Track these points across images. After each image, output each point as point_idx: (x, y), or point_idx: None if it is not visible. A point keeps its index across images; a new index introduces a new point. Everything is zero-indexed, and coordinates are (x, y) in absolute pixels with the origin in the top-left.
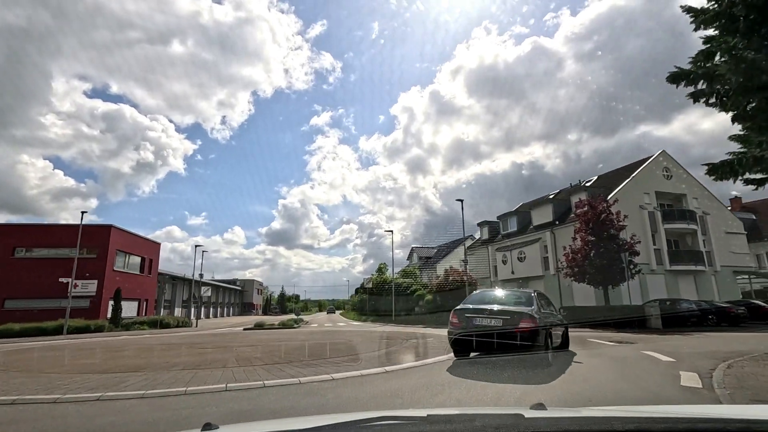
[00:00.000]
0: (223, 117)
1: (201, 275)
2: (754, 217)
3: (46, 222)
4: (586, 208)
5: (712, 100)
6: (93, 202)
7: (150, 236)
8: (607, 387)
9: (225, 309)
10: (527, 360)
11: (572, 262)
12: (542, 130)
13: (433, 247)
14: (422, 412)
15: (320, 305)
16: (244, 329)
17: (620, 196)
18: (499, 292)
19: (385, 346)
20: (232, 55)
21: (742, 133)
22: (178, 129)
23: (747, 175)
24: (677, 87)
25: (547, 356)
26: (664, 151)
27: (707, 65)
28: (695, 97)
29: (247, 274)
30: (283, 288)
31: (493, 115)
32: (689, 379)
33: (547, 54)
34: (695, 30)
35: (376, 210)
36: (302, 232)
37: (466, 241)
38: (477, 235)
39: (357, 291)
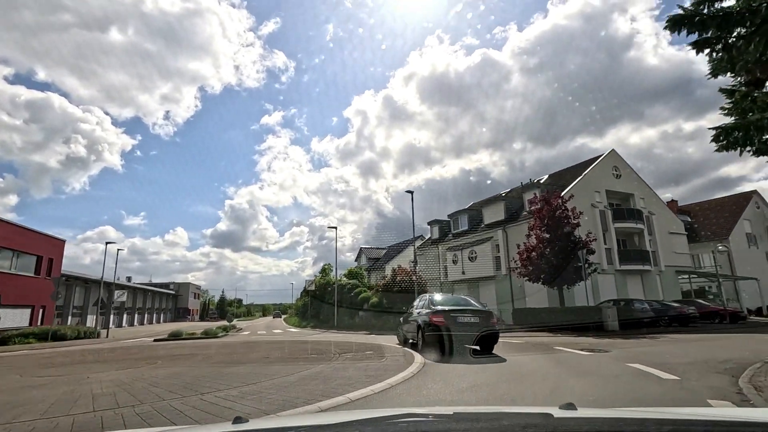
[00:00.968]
0: (167, 112)
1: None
2: (690, 219)
3: None
4: (540, 205)
5: (719, 48)
6: (12, 199)
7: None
8: None
9: (155, 315)
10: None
11: (526, 260)
12: (490, 138)
13: (382, 248)
14: (449, 410)
15: (264, 310)
16: (154, 340)
17: (572, 194)
18: (450, 296)
19: (305, 363)
20: (178, 48)
21: (758, 94)
22: (116, 122)
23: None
24: (678, 34)
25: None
26: (613, 150)
27: (716, 5)
28: (699, 46)
29: (190, 278)
30: (223, 292)
31: (444, 122)
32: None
33: (496, 66)
34: None
35: (328, 212)
36: (250, 234)
37: (416, 241)
38: (428, 236)
39: (301, 294)
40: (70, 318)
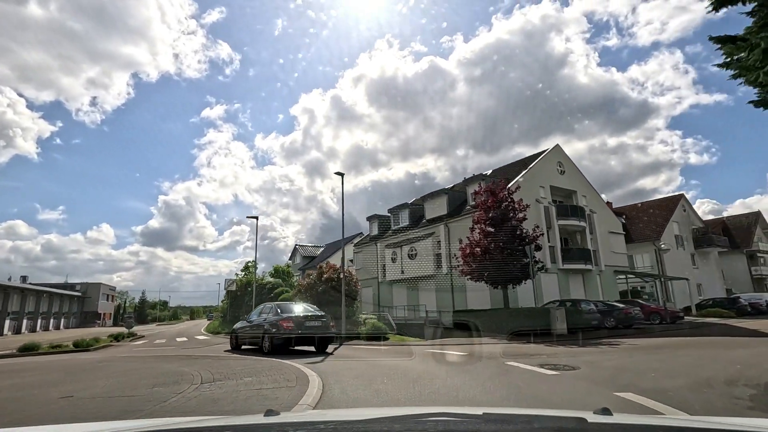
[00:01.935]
0: (94, 98)
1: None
2: (624, 221)
3: None
4: (484, 196)
5: None
6: None
7: None
8: None
9: (56, 320)
10: None
11: (469, 256)
12: (435, 143)
13: (319, 246)
14: (478, 410)
15: (192, 313)
16: None
17: (519, 185)
18: (294, 304)
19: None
20: (109, 30)
21: None
22: (32, 106)
23: None
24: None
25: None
26: (558, 145)
27: None
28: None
29: (115, 278)
30: (144, 293)
31: (391, 125)
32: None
33: (443, 74)
34: None
35: (270, 211)
36: (186, 232)
37: (356, 239)
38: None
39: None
40: None
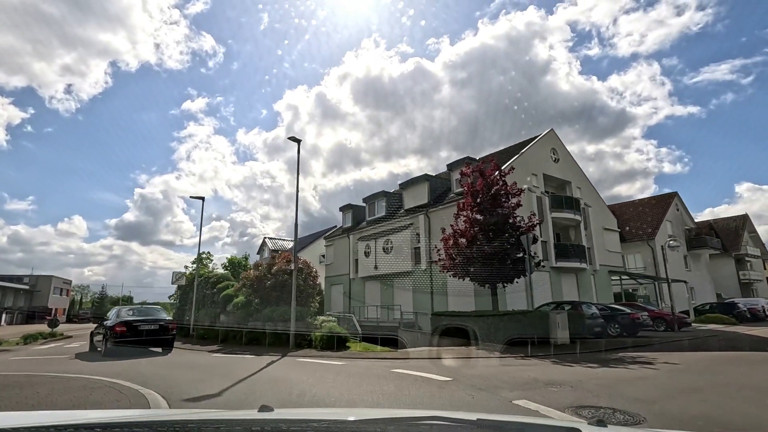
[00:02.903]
0: (69, 85)
1: None
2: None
3: None
4: (472, 178)
5: None
6: None
7: None
8: None
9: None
10: None
11: (452, 248)
12: (418, 144)
13: (288, 240)
14: (472, 416)
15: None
16: None
17: (513, 167)
18: (140, 308)
19: None
20: (87, 15)
21: None
22: (1, 91)
23: None
24: None
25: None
26: (552, 129)
27: None
28: None
29: (86, 272)
30: (104, 288)
31: (375, 124)
32: None
33: (428, 76)
34: None
35: (250, 208)
36: (162, 226)
37: (332, 231)
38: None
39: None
40: None
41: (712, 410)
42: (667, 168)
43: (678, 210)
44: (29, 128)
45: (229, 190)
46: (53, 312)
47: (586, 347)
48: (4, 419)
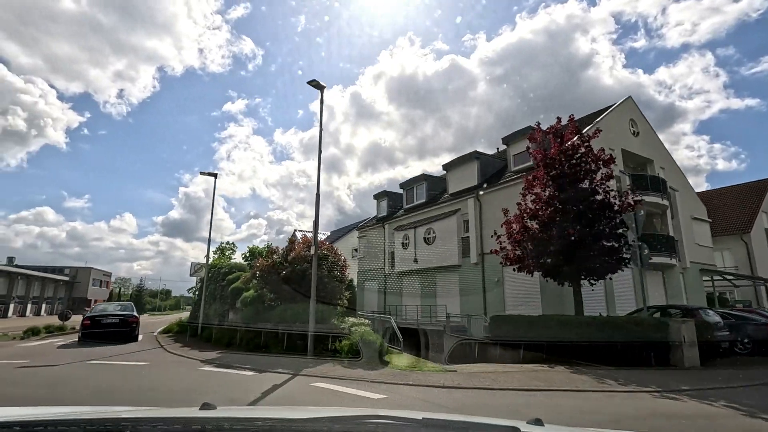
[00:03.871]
0: (121, 90)
1: None
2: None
3: None
4: (544, 144)
5: None
6: None
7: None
8: None
9: (49, 305)
10: None
11: (521, 233)
12: (452, 142)
13: (323, 233)
14: (418, 415)
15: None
16: None
17: (600, 128)
18: (111, 304)
19: None
20: (137, 24)
21: None
22: (62, 97)
23: None
24: None
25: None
26: (630, 97)
27: None
28: None
29: (135, 267)
30: (142, 280)
31: (409, 123)
32: None
33: (463, 73)
34: None
35: (287, 206)
36: (204, 224)
37: (365, 221)
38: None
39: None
40: None
41: None
42: (721, 165)
43: None
44: (85, 131)
45: (266, 189)
46: (92, 303)
47: (726, 374)
48: None
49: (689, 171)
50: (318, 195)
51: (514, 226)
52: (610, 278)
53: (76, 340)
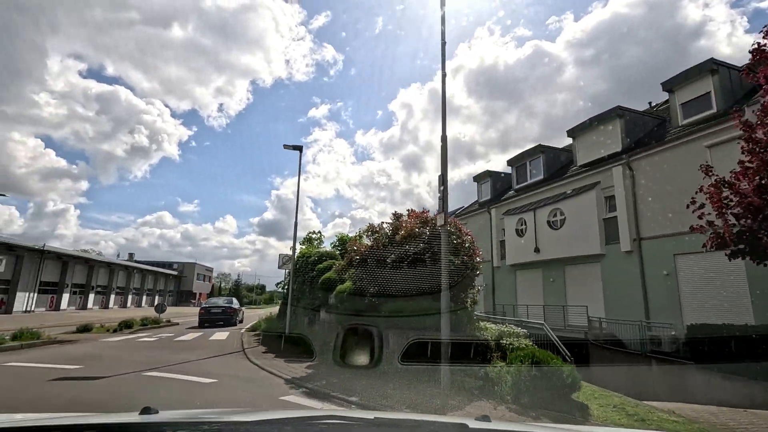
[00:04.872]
0: (221, 104)
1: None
2: None
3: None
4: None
5: None
6: (83, 185)
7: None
8: None
9: (152, 298)
10: None
11: (747, 200)
12: (538, 133)
13: None
14: (370, 415)
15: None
16: None
17: None
18: (222, 298)
19: None
20: (233, 42)
21: None
22: (174, 114)
23: None
24: None
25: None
26: None
27: None
28: None
29: (236, 264)
30: (239, 276)
31: (490, 115)
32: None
33: (548, 58)
34: None
35: (368, 205)
36: (294, 224)
37: (464, 208)
38: (474, 198)
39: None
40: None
41: None
42: None
43: None
44: (193, 143)
45: (349, 189)
46: (197, 296)
47: None
48: None
49: None
50: (444, 136)
51: (723, 191)
52: None
53: (177, 331)
